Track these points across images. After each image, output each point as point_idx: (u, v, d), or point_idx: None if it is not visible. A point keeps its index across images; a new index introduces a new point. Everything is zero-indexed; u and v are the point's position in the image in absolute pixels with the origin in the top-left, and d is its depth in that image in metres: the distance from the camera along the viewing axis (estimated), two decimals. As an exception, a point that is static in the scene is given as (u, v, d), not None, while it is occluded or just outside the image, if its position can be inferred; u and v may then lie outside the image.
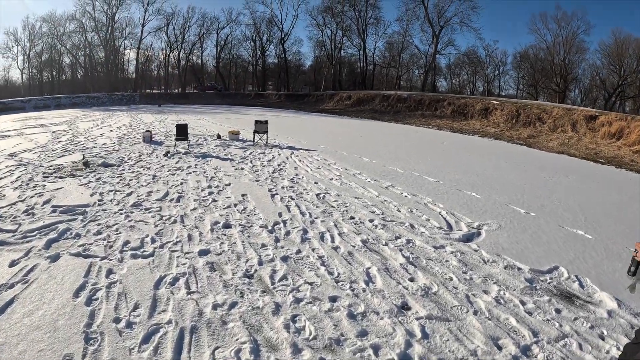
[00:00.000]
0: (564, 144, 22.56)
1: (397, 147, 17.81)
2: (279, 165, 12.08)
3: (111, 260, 5.33)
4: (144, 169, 11.01)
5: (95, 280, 4.80)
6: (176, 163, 11.93)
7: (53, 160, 12.01)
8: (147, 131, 16.67)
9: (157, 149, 14.51)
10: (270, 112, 39.93)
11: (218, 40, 73.01)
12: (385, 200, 8.72)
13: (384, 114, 37.19)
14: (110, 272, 5.01)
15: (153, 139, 16.70)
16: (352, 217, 7.50)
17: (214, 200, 8.23)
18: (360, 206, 8.21)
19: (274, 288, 4.81)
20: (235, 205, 7.96)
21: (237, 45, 75.15)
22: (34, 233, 6.11)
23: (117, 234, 6.23)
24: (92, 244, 5.80)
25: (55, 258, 5.29)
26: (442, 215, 7.90)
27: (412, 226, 7.18)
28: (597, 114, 25.60)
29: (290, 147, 15.61)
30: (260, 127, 16.09)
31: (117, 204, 7.75)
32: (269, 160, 12.71)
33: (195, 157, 13.01)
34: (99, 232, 6.25)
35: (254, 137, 16.39)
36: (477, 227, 7.25)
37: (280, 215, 7.44)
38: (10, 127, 20.99)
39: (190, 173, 10.66)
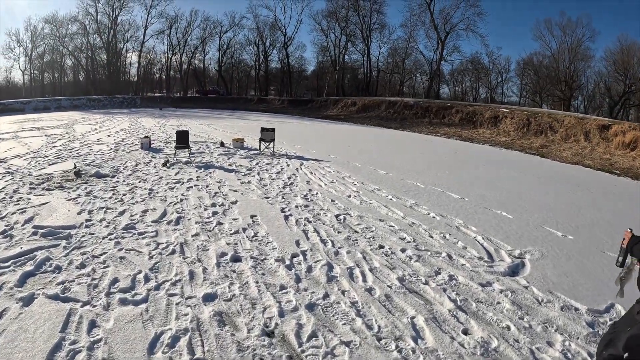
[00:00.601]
0: (577, 154, 21.65)
1: (411, 157, 16.82)
2: (289, 178, 11.01)
3: (95, 307, 4.25)
4: (140, 182, 9.94)
5: (75, 337, 3.73)
6: (176, 174, 10.86)
7: (43, 168, 11.06)
8: (145, 137, 15.57)
9: (156, 157, 13.45)
10: (274, 117, 38.95)
11: (221, 44, 72.44)
12: (413, 224, 7.62)
13: (391, 121, 36.15)
14: (93, 324, 3.95)
15: (152, 146, 15.60)
16: (381, 246, 6.42)
17: (219, 223, 7.12)
18: (388, 231, 7.12)
19: (303, 352, 3.74)
20: (244, 229, 6.85)
21: (240, 49, 74.53)
22: (8, 263, 5.10)
23: (104, 267, 5.15)
24: (73, 281, 4.74)
25: (28, 301, 4.27)
26: (478, 242, 6.87)
27: (449, 257, 6.12)
28: (609, 123, 24.70)
29: (299, 157, 14.53)
30: (267, 134, 14.99)
31: (107, 226, 6.67)
32: (278, 173, 11.65)
33: (197, 167, 11.96)
34: (82, 265, 5.17)
35: (259, 146, 15.26)
36: (520, 256, 6.27)
37: (297, 244, 6.33)
38: (7, 130, 20.22)
39: (192, 187, 9.56)
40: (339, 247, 6.25)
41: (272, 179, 10.78)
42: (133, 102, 53.59)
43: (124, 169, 11.38)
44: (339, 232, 6.91)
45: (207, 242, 6.24)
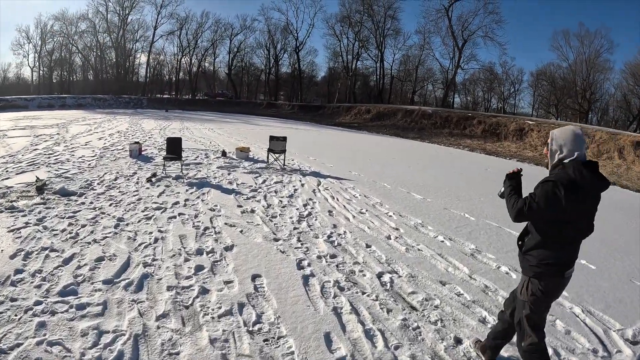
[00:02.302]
0: (613, 173, 20.16)
1: (442, 174, 14.39)
2: (305, 205, 8.42)
3: None
4: (111, 205, 7.44)
5: None
6: (159, 196, 8.29)
7: (7, 178, 8.83)
8: (135, 143, 13.02)
9: (143, 167, 11.02)
10: (284, 123, 36.53)
11: (231, 47, 70.21)
12: (486, 288, 5.16)
13: (408, 131, 33.60)
14: None
15: (142, 153, 13.02)
16: (458, 340, 3.95)
17: (203, 291, 4.54)
18: (458, 306, 4.65)
19: None
20: (242, 307, 4.28)
21: (250, 52, 72.46)
22: None
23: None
24: None
25: None
26: (581, 320, 4.54)
27: (556, 353, 3.83)
28: None
29: (314, 174, 11.97)
30: (277, 144, 12.39)
31: (40, 286, 4.29)
32: (290, 196, 9.06)
33: (189, 185, 9.38)
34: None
35: (267, 158, 12.58)
36: (633, 340, 4.21)
37: (328, 342, 3.78)
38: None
39: (175, 217, 6.99)
40: (395, 348, 3.74)
41: (283, 206, 8.19)
42: (139, 102, 51.85)
43: (98, 183, 8.92)
44: (389, 312, 4.36)
45: (178, 336, 3.68)
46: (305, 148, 17.57)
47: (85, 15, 62.95)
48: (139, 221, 6.61)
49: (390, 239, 6.70)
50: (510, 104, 67.83)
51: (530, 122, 29.53)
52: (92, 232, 5.96)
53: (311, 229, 6.90)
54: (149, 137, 18.00)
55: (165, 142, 10.80)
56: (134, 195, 8.11)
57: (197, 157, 13.30)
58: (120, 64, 65.42)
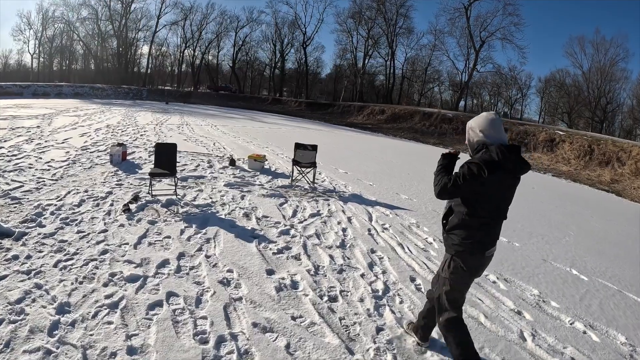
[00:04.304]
0: None
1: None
2: (370, 266, 5.22)
3: None
4: (57, 264, 4.28)
5: None
6: (137, 244, 5.02)
7: None
8: (118, 145, 9.71)
9: (124, 182, 7.83)
10: (292, 121, 33.52)
11: (236, 40, 67.02)
12: None
13: (427, 135, 30.47)
14: None
15: (127, 158, 9.67)
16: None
17: None
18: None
19: None
20: None
21: (256, 46, 69.45)
22: None
23: None
24: None
25: None
26: None
27: None
28: None
29: (355, 197, 8.79)
30: (304, 155, 9.14)
31: None
32: (342, 246, 5.76)
33: (185, 220, 6.02)
34: None
35: (292, 173, 9.19)
36: None
37: None
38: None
39: (161, 306, 3.76)
40: None
41: (340, 271, 4.94)
42: (139, 94, 49.24)
43: (52, 213, 5.67)
44: None
45: None
46: (328, 154, 13.88)
47: (87, 2, 59.95)
48: (94, 316, 3.39)
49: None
50: (517, 109, 65.96)
51: (561, 133, 26.66)
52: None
53: (408, 332, 3.75)
54: (141, 135, 14.62)
55: (154, 149, 7.37)
56: (99, 243, 4.89)
57: (198, 165, 10.00)
58: (122, 53, 62.90)
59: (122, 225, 5.44)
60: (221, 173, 9.46)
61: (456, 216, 2.92)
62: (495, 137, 2.79)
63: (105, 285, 3.92)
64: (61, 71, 65.46)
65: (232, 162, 10.43)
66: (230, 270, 4.51)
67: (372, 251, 5.68)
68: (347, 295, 4.32)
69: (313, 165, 9.21)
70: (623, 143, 24.29)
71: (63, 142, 11.50)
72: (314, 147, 9.34)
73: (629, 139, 36.21)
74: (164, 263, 4.49)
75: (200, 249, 4.97)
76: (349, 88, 64.26)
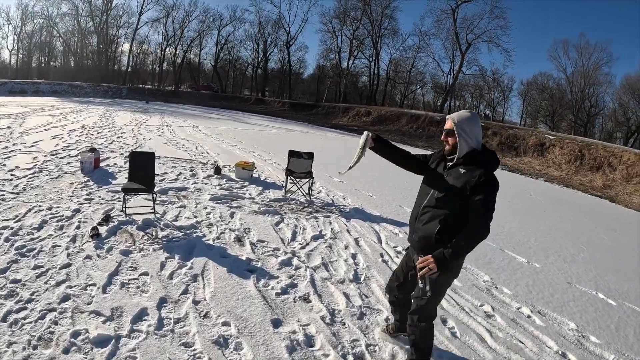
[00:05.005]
0: None
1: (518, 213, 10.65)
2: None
3: None
4: (10, 311, 3.31)
5: None
6: (107, 286, 4.00)
7: None
8: (90, 151, 8.59)
9: (94, 196, 6.71)
10: (276, 122, 32.39)
11: (219, 39, 65.51)
12: None
13: (415, 138, 29.71)
14: None
15: (100, 165, 8.60)
16: None
17: None
18: None
19: None
20: None
21: (239, 45, 67.88)
22: None
23: None
24: None
25: None
26: None
27: None
28: None
29: (358, 212, 7.86)
30: (299, 164, 8.18)
31: None
32: (356, 279, 4.88)
33: (166, 249, 4.96)
34: None
35: (286, 184, 8.21)
36: None
37: None
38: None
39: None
40: None
41: (362, 315, 4.05)
42: (119, 92, 47.41)
43: (7, 239, 4.65)
44: None
45: None
46: (319, 160, 12.59)
47: (68, -4, 57.31)
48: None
49: None
50: (498, 111, 65.84)
51: (551, 137, 26.26)
52: None
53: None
54: (117, 138, 13.44)
55: (129, 158, 6.30)
56: (60, 284, 3.87)
57: (179, 174, 8.92)
58: (102, 50, 61.00)
59: (88, 258, 4.41)
60: (205, 184, 8.42)
61: (452, 228, 2.72)
62: (480, 142, 2.74)
63: (66, 351, 2.92)
64: (40, 68, 62.79)
65: (218, 171, 9.41)
66: (226, 324, 3.52)
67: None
68: (375, 352, 3.46)
69: (309, 175, 8.24)
70: (614, 148, 23.99)
71: (32, 146, 10.36)
72: (309, 155, 8.39)
73: (610, 142, 36.21)
74: (141, 314, 3.49)
75: (186, 291, 3.96)
76: (332, 89, 63.18)
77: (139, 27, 61.48)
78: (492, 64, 76.83)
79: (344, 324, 3.78)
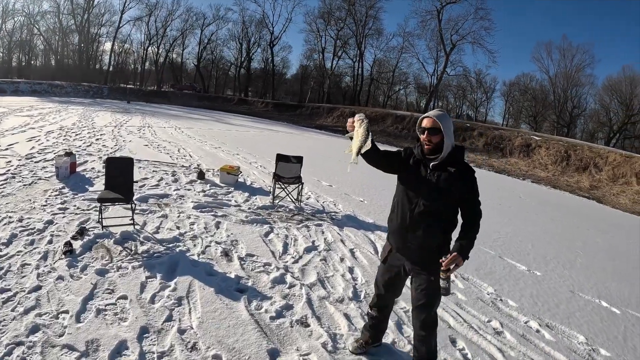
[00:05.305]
0: (636, 202, 18.01)
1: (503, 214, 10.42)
2: (398, 324, 4.02)
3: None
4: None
5: None
6: (81, 313, 3.53)
7: None
8: (66, 155, 8.06)
9: (69, 205, 6.20)
10: (260, 123, 31.97)
11: (202, 38, 64.69)
12: None
13: (401, 139, 29.56)
14: None
15: (77, 171, 8.09)
16: None
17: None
18: None
19: None
20: None
21: (222, 45, 67.13)
22: None
23: None
24: None
25: None
26: None
27: None
28: None
29: (351, 220, 7.50)
30: (288, 168, 7.80)
31: None
32: (355, 298, 4.51)
33: (147, 266, 4.47)
34: None
35: (274, 190, 7.77)
36: None
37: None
38: None
39: None
40: None
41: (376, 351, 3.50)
42: (100, 92, 46.44)
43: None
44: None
45: None
46: (306, 163, 12.23)
47: (48, -7, 55.87)
48: None
49: None
50: (481, 112, 66.14)
51: (537, 138, 26.36)
52: None
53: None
54: (96, 140, 12.87)
55: (105, 165, 5.79)
56: (29, 311, 3.42)
57: (161, 180, 8.44)
58: (83, 49, 59.66)
59: (61, 278, 3.94)
60: (188, 190, 7.95)
61: (449, 232, 2.81)
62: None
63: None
64: (20, 67, 60.80)
65: (201, 175, 8.94)
66: (217, 357, 3.12)
67: (402, 311, 4.36)
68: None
69: (298, 180, 7.83)
70: (599, 149, 24.24)
71: (7, 149, 9.78)
72: (298, 159, 7.99)
73: (591, 142, 36.55)
74: (120, 348, 3.06)
75: (170, 317, 3.53)
76: (316, 89, 62.61)
77: (121, 25, 60.42)
78: (475, 65, 76.90)
79: (348, 352, 3.39)
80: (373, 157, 2.74)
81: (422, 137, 2.68)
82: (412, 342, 3.09)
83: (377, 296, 3.17)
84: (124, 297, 3.74)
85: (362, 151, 2.64)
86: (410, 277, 2.94)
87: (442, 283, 2.70)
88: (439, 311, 4.01)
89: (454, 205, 2.72)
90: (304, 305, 4.05)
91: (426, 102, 52.49)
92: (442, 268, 2.63)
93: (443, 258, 2.66)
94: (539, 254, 7.36)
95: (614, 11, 70.55)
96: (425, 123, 2.67)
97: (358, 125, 2.65)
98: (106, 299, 3.70)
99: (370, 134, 2.65)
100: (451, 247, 2.76)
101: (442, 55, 50.72)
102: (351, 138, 2.72)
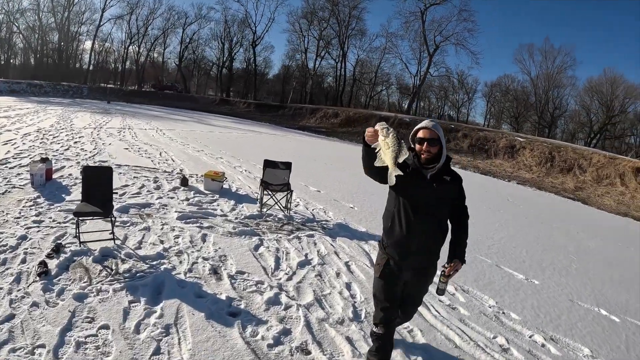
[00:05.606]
0: (621, 203, 18.38)
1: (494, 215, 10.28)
2: (405, 348, 3.72)
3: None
4: None
5: None
6: (59, 347, 3.12)
7: None
8: (41, 160, 7.61)
9: (44, 217, 5.75)
10: (243, 124, 31.50)
11: (183, 37, 63.84)
12: None
13: (385, 140, 29.03)
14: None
15: (53, 178, 7.69)
16: None
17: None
18: None
19: None
20: None
21: (204, 44, 66.41)
22: None
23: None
24: None
25: None
26: None
27: None
28: None
29: (343, 229, 7.18)
30: (275, 175, 7.50)
31: None
32: (356, 319, 4.21)
33: (129, 288, 4.07)
34: None
35: (261, 198, 7.48)
36: None
37: None
38: None
39: None
40: None
41: None
42: (79, 91, 45.65)
43: None
44: None
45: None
46: (292, 167, 12.00)
47: (28, -9, 54.79)
48: None
49: None
50: (462, 112, 66.79)
51: (521, 139, 26.52)
52: None
53: None
54: (75, 143, 12.37)
55: (82, 174, 5.38)
56: (0, 348, 2.90)
57: (142, 187, 8.04)
58: (63, 48, 58.50)
59: (36, 305, 3.56)
60: (172, 198, 7.57)
61: (445, 238, 2.93)
62: None
63: None
64: None
65: (184, 182, 8.57)
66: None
67: (408, 332, 4.11)
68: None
69: (286, 187, 7.51)
70: (583, 150, 24.51)
71: (-21, 154, 9.23)
72: (287, 165, 7.69)
73: (571, 142, 37.00)
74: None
75: (157, 350, 3.17)
76: (298, 89, 62.35)
77: (101, 23, 59.50)
78: (457, 66, 77.30)
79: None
80: (378, 169, 2.66)
81: (421, 147, 2.73)
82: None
83: (382, 310, 3.04)
84: (106, 327, 3.37)
85: (401, 160, 2.50)
86: (404, 280, 2.99)
87: (441, 285, 2.93)
88: (444, 329, 3.95)
89: (448, 210, 2.88)
90: (303, 330, 3.74)
91: (409, 103, 52.64)
92: (446, 274, 2.86)
93: (445, 265, 2.87)
94: (534, 260, 7.24)
95: (596, 14, 71.87)
96: (424, 134, 2.73)
97: (383, 135, 2.50)
98: (86, 329, 3.33)
99: (402, 141, 2.52)
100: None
101: (425, 56, 50.89)
102: (374, 149, 2.60)
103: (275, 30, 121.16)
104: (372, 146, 2.60)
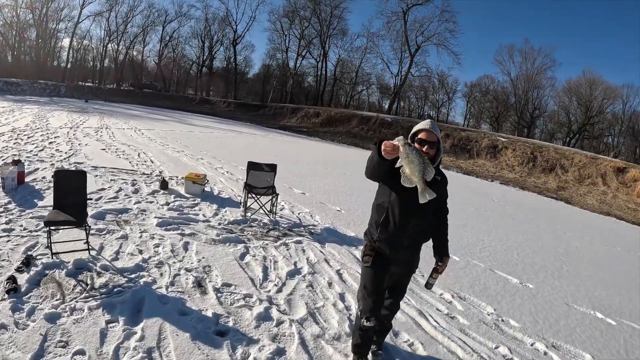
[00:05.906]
0: (603, 202, 18.69)
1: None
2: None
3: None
4: None
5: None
6: None
7: None
8: (12, 163, 7.15)
9: (15, 226, 5.29)
10: (223, 124, 31.08)
11: (163, 35, 62.85)
12: None
13: (366, 140, 29.22)
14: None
15: (26, 181, 7.26)
16: None
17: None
18: None
19: None
20: None
21: (184, 42, 65.47)
22: None
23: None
24: None
25: None
26: None
27: None
28: (624, 166, 21.98)
29: (331, 234, 6.92)
30: (260, 178, 7.21)
31: None
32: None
33: (105, 306, 3.66)
34: None
35: (245, 202, 7.10)
36: None
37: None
38: None
39: None
40: None
41: None
42: (57, 90, 44.40)
43: None
44: None
45: None
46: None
47: (5, -13, 53.41)
48: None
49: None
50: (442, 112, 67.03)
51: (503, 139, 26.64)
52: None
53: None
54: (50, 143, 11.86)
55: (53, 180, 4.99)
56: None
57: (120, 190, 7.63)
58: (41, 45, 56.91)
59: (4, 328, 3.18)
60: (151, 202, 7.19)
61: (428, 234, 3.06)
62: None
63: None
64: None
65: (164, 185, 8.18)
66: None
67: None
68: None
69: (271, 190, 7.20)
70: (564, 150, 24.79)
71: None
72: (272, 167, 7.38)
73: (550, 142, 37.42)
74: None
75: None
76: (278, 89, 61.87)
77: (80, 20, 58.04)
78: (438, 66, 77.72)
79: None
80: (386, 179, 2.87)
81: (421, 148, 2.75)
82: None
83: (373, 301, 3.05)
84: (81, 353, 3.00)
85: (429, 178, 2.53)
86: (392, 272, 3.08)
87: (431, 281, 3.17)
88: (445, 341, 3.82)
89: (436, 207, 2.96)
90: (298, 348, 3.44)
91: (390, 103, 52.52)
92: (439, 271, 3.10)
93: (440, 263, 3.11)
94: (526, 263, 7.16)
95: (576, 17, 72.99)
96: (426, 136, 2.79)
97: (406, 151, 2.47)
98: (60, 356, 2.95)
99: (426, 158, 2.54)
100: None
101: (406, 56, 50.88)
102: (389, 162, 2.63)
103: (257, 29, 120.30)
104: (396, 165, 2.59)
